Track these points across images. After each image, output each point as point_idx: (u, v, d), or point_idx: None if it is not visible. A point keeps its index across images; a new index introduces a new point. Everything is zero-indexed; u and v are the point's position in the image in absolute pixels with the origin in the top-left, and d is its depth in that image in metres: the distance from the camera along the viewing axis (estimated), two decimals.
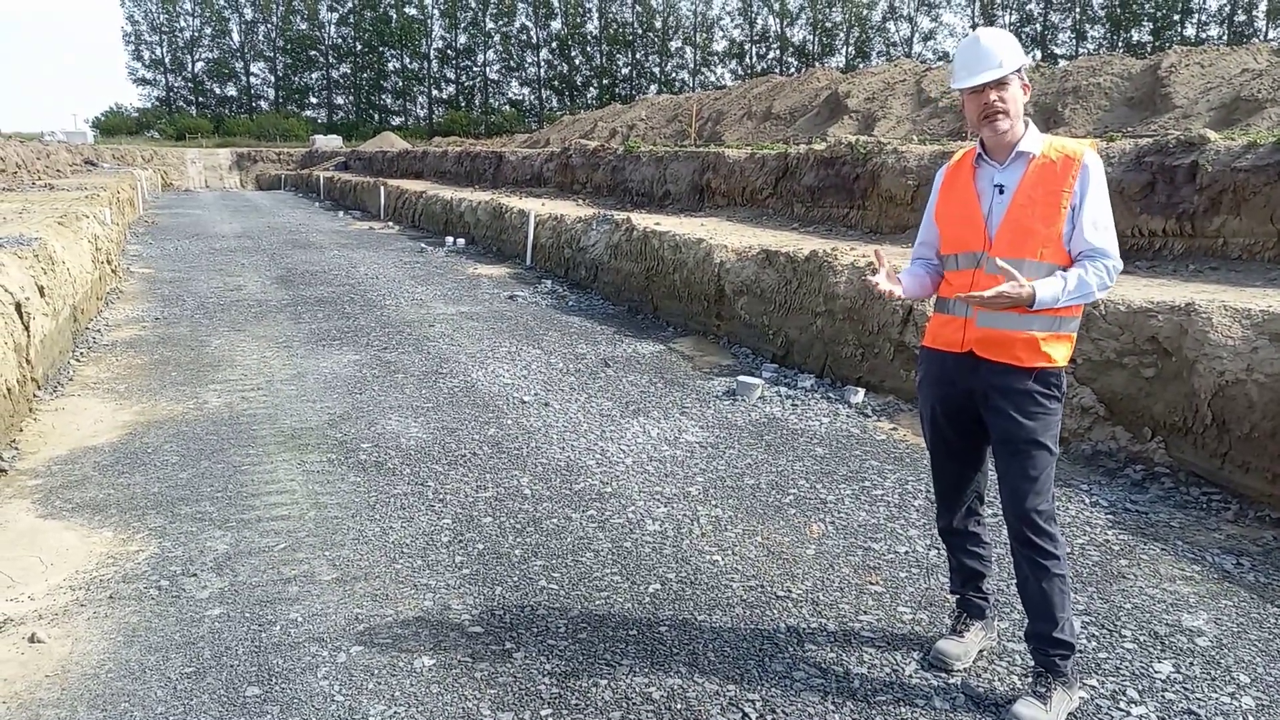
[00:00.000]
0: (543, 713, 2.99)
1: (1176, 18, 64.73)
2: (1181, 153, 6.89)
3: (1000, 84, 2.87)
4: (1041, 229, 2.85)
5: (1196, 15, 65.16)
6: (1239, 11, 63.20)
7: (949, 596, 3.49)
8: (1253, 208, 6.39)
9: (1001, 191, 2.93)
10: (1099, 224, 2.84)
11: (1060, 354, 2.92)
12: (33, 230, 8.71)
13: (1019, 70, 2.89)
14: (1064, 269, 2.85)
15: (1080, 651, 3.02)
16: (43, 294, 7.10)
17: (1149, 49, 55.50)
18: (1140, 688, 3.11)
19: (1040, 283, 2.79)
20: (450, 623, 3.55)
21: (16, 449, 5.53)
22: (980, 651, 3.29)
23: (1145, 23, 66.58)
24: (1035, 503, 2.91)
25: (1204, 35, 63.34)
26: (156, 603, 3.71)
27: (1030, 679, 3.03)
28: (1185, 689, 3.10)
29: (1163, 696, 3.06)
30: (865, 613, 3.63)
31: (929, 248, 3.21)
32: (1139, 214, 7.06)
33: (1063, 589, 2.93)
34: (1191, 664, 3.25)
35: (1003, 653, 3.31)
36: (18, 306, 6.27)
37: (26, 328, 6.36)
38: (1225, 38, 59.45)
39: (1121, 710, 2.98)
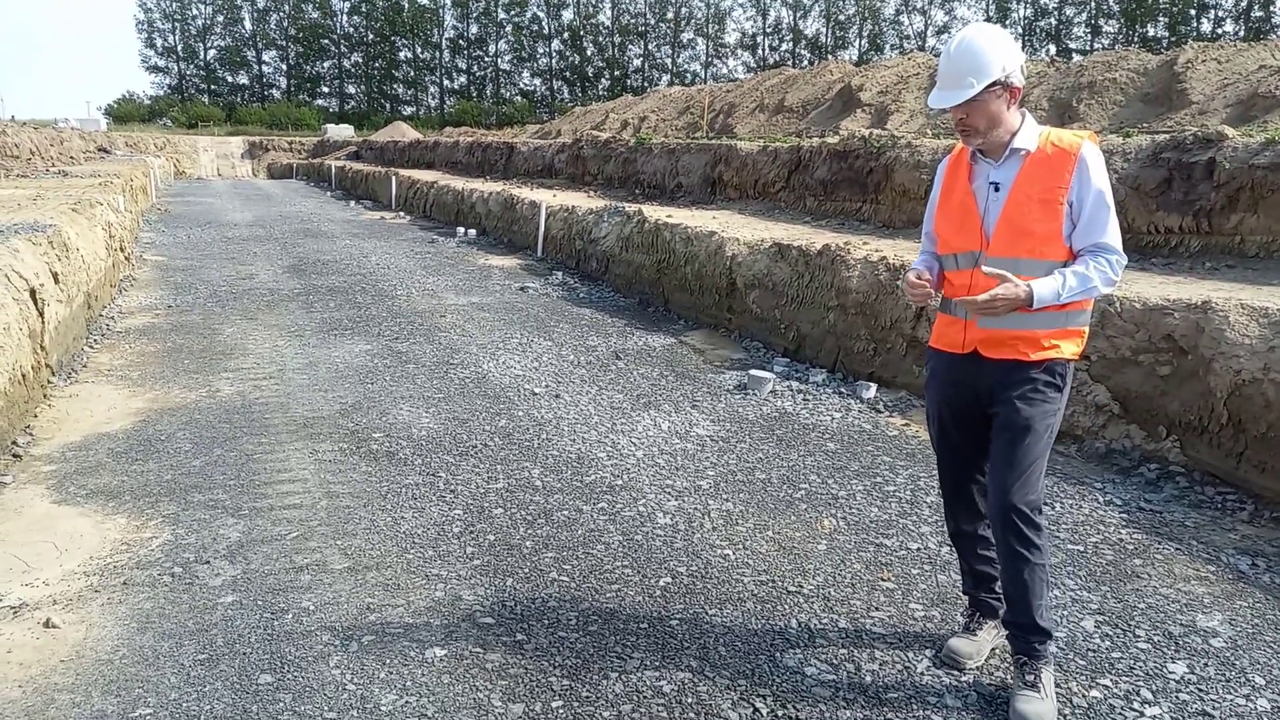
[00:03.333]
0: (554, 705, 2.99)
1: (1193, 13, 64.19)
2: (1199, 149, 6.83)
3: (970, 103, 2.78)
4: (1039, 227, 2.80)
5: (1213, 10, 64.63)
6: (1256, 7, 62.61)
7: (961, 595, 3.48)
8: (1270, 205, 6.33)
9: (997, 189, 2.88)
10: (1099, 218, 2.78)
11: (1068, 348, 2.89)
12: (47, 217, 8.74)
13: (997, 82, 2.76)
14: (1065, 265, 2.81)
15: (1056, 637, 3.03)
16: (57, 280, 7.12)
17: (1164, 44, 55.05)
18: (1154, 688, 3.09)
19: (1038, 281, 2.75)
20: (461, 613, 3.56)
21: (31, 435, 5.56)
22: (993, 650, 3.27)
23: (1160, 18, 66.05)
24: (1021, 491, 2.89)
25: (1220, 31, 62.80)
26: (170, 589, 3.72)
27: (1014, 669, 3.01)
28: (1200, 690, 3.09)
29: (1177, 697, 3.05)
30: (877, 609, 3.62)
31: (932, 240, 3.19)
32: (1155, 210, 7.01)
33: (1042, 578, 2.94)
34: (1206, 665, 3.24)
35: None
36: (32, 293, 6.29)
37: (41, 314, 6.39)
38: (1242, 33, 58.90)
39: (1135, 710, 2.97)
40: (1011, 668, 3.06)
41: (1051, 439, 2.93)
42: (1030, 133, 2.85)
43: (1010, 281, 2.74)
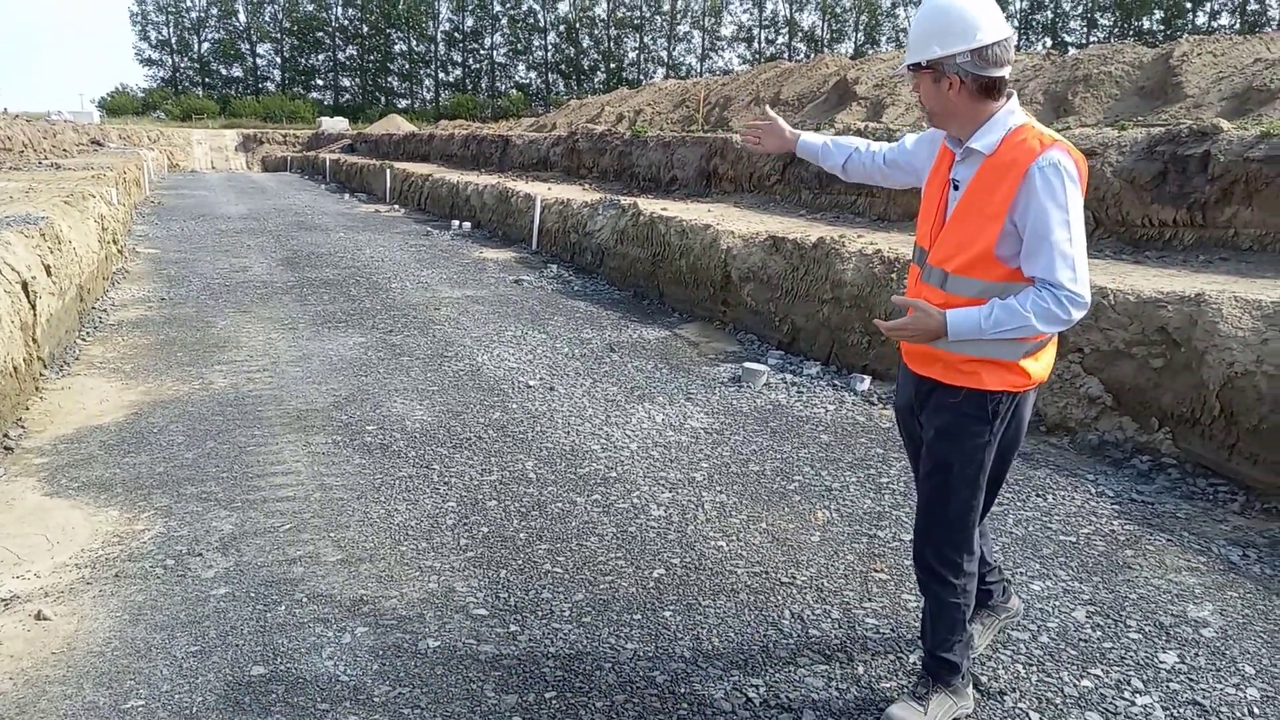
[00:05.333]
0: (547, 695, 2.99)
1: (1188, 6, 64.23)
2: (1194, 142, 6.83)
3: (915, 75, 2.53)
4: (976, 242, 2.49)
5: (1208, 3, 64.67)
6: (1251, 0, 62.66)
7: None
8: (1265, 198, 6.35)
9: (956, 188, 2.59)
10: (1043, 248, 2.37)
11: (995, 379, 2.55)
12: (39, 209, 8.70)
13: (941, 63, 2.44)
14: (1005, 288, 2.48)
15: (966, 673, 2.85)
16: (49, 273, 7.09)
17: (1160, 38, 55.07)
18: (1145, 678, 3.10)
19: (955, 311, 2.46)
20: (455, 605, 3.55)
21: (23, 427, 5.54)
22: (990, 641, 3.26)
23: (1156, 11, 66.06)
24: (941, 546, 2.71)
25: (1216, 24, 62.83)
26: (162, 582, 3.72)
27: (915, 678, 2.95)
28: (1190, 679, 3.10)
29: (1167, 687, 3.06)
30: (870, 600, 3.63)
31: (893, 154, 3.01)
32: (1150, 203, 7.02)
33: (955, 618, 2.75)
34: (1197, 655, 3.25)
35: (1007, 641, 3.31)
36: (24, 285, 6.27)
37: (33, 306, 6.36)
38: (1238, 26, 58.93)
39: (1126, 700, 2.98)
40: (914, 675, 3.02)
41: (981, 471, 2.65)
42: (992, 133, 2.48)
43: (923, 311, 2.50)
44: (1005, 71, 2.48)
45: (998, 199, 2.44)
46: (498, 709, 2.92)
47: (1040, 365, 2.63)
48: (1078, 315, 2.42)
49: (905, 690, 2.97)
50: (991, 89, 2.48)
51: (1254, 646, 3.31)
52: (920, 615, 2.97)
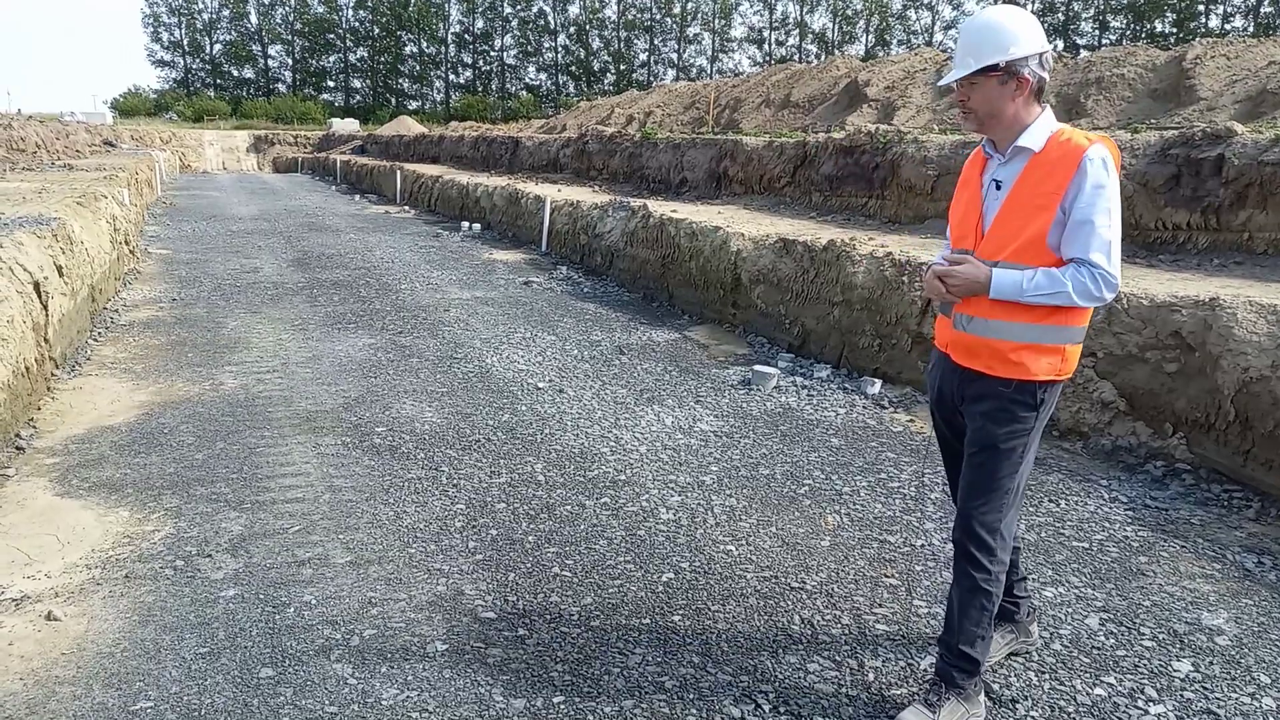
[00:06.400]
0: (555, 699, 2.98)
1: (1201, 8, 63.89)
2: (1208, 145, 6.79)
3: (968, 82, 2.66)
4: (1027, 231, 2.63)
5: (1221, 6, 64.30)
6: (1265, 2, 62.28)
7: None
8: None
9: (999, 188, 2.73)
10: (1087, 230, 2.56)
11: (1040, 366, 2.67)
12: (52, 210, 8.75)
13: (997, 67, 2.60)
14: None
15: (981, 678, 2.89)
16: (61, 274, 7.12)
17: (1172, 40, 54.82)
18: (1159, 686, 3.07)
19: (1002, 269, 2.62)
20: (463, 608, 3.55)
21: (35, 428, 5.57)
22: (1009, 654, 3.22)
23: (1168, 13, 65.73)
24: (982, 512, 2.77)
25: (1229, 27, 62.48)
26: (172, 583, 3.72)
27: (927, 684, 2.94)
28: (1204, 688, 3.07)
29: (1181, 695, 3.03)
30: (880, 605, 3.61)
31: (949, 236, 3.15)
32: (1163, 207, 6.97)
33: (984, 605, 2.80)
34: (1211, 663, 3.22)
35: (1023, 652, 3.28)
36: (36, 286, 6.29)
37: (45, 307, 6.39)
38: (1251, 29, 58.61)
39: (1139, 709, 2.95)
40: (926, 682, 3.00)
41: (1025, 460, 2.78)
42: (1040, 131, 2.67)
43: (972, 264, 2.66)
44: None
45: (1048, 189, 2.61)
46: (506, 713, 2.91)
47: (1075, 356, 2.77)
48: (1109, 296, 2.59)
49: (917, 696, 2.95)
50: (1041, 92, 2.70)
51: (1269, 655, 3.27)
52: (945, 607, 2.95)
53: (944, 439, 3.13)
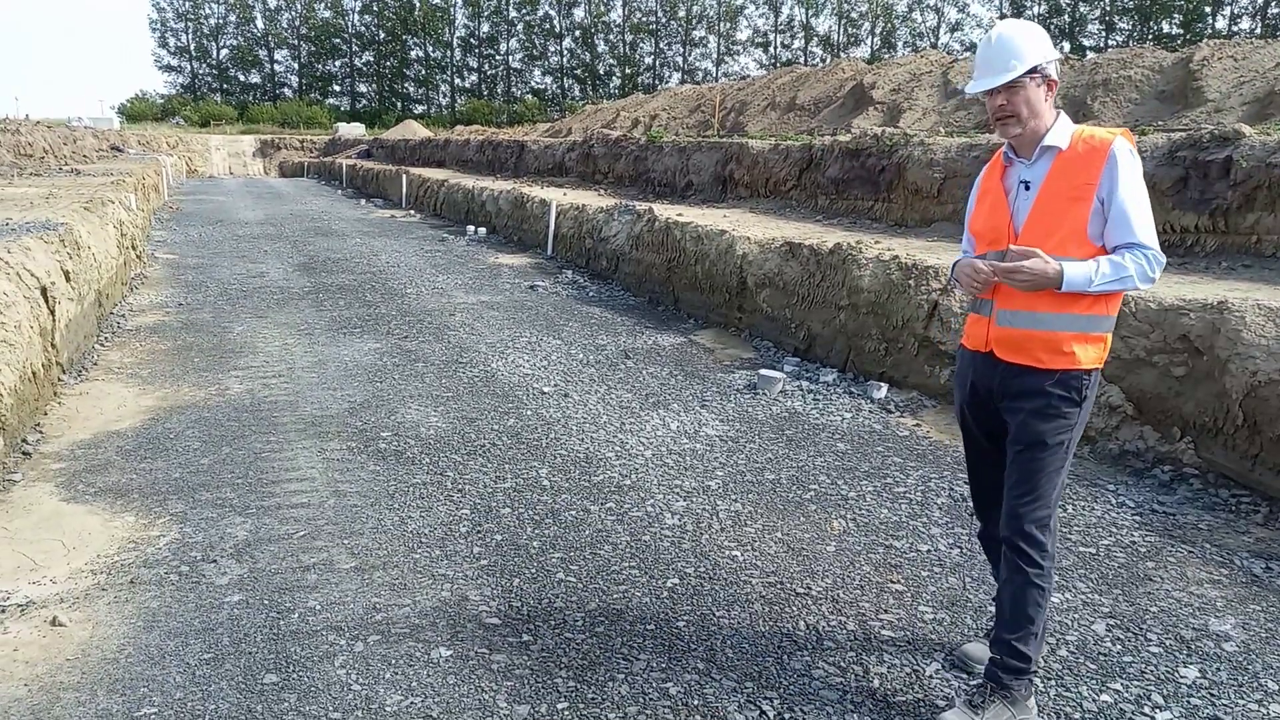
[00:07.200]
0: (559, 706, 2.97)
1: (1208, 10, 63.68)
2: (1215, 147, 6.76)
3: (1011, 87, 2.74)
4: (1066, 224, 2.71)
5: (1229, 7, 64.08)
6: (1273, 4, 62.07)
7: (969, 596, 3.44)
8: None
9: (1028, 188, 2.82)
10: (1129, 215, 2.67)
11: (1089, 355, 2.75)
12: (59, 215, 8.78)
13: (1037, 70, 2.73)
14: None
15: (1035, 673, 2.89)
16: (68, 279, 7.15)
17: (1179, 42, 54.64)
18: (1165, 692, 3.06)
19: (1071, 263, 2.66)
20: (468, 613, 3.54)
21: (41, 432, 5.58)
22: None
23: (1175, 15, 65.54)
24: (1031, 508, 2.80)
25: (1236, 28, 62.28)
26: (177, 588, 3.72)
27: (974, 683, 2.93)
28: (1211, 694, 3.05)
29: (1188, 702, 3.01)
30: (886, 611, 3.59)
31: (970, 242, 3.14)
32: (1171, 209, 6.94)
33: (1038, 601, 2.82)
34: (1218, 669, 3.20)
35: None
36: (43, 291, 6.31)
37: (52, 312, 6.41)
38: (1259, 30, 58.40)
39: (1146, 715, 2.93)
40: (973, 680, 2.99)
41: (1069, 453, 2.82)
42: (1063, 131, 2.78)
43: (1040, 257, 2.66)
44: None
45: (1080, 181, 2.70)
46: (510, 719, 2.91)
47: (1109, 344, 2.85)
48: (1159, 275, 2.71)
49: (960, 697, 2.94)
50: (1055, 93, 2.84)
51: (1277, 661, 3.25)
52: (996, 602, 2.94)
53: (973, 439, 3.12)
